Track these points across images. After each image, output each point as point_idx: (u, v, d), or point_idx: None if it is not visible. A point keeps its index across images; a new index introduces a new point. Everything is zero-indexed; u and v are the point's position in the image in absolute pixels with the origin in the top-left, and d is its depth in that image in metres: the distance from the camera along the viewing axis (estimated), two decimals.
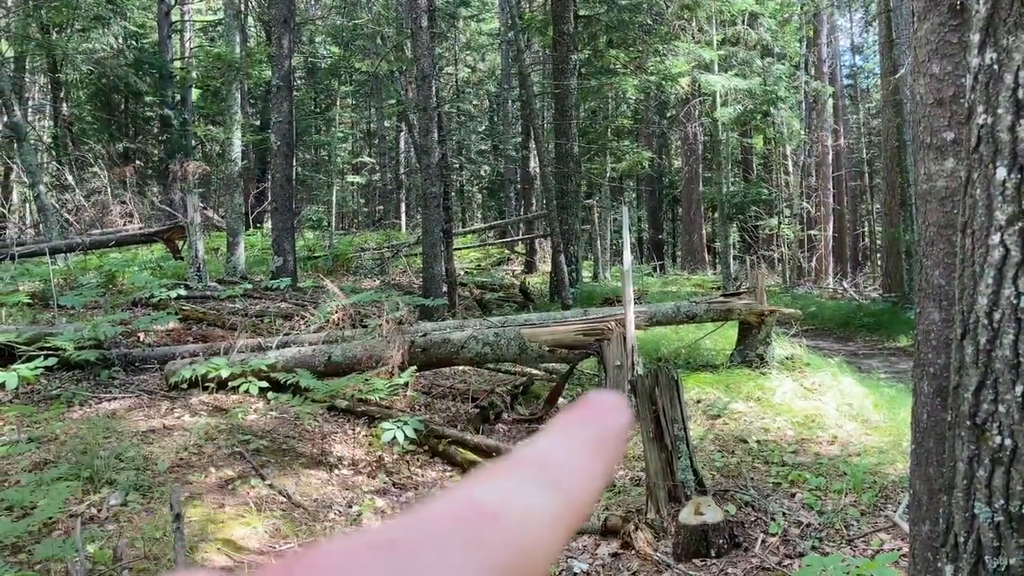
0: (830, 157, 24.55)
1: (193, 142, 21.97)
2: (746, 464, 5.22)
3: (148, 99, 22.97)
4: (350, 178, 27.37)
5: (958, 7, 2.39)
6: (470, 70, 27.94)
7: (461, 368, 7.67)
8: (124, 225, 15.98)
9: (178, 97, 21.83)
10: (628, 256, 6.59)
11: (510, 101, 23.23)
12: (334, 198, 18.69)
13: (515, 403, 6.85)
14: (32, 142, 17.40)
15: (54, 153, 22.54)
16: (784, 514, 4.41)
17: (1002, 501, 1.75)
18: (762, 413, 6.34)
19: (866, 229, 30.25)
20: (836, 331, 13.74)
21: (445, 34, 22.52)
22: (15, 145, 16.80)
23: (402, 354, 6.47)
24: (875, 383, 7.97)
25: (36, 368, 5.81)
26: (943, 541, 1.92)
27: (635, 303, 6.86)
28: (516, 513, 0.26)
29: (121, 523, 4.06)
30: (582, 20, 15.03)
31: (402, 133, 26.03)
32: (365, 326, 7.19)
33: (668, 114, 25.55)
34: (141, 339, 7.70)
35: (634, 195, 28.55)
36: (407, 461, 5.54)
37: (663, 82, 15.89)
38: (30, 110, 25.55)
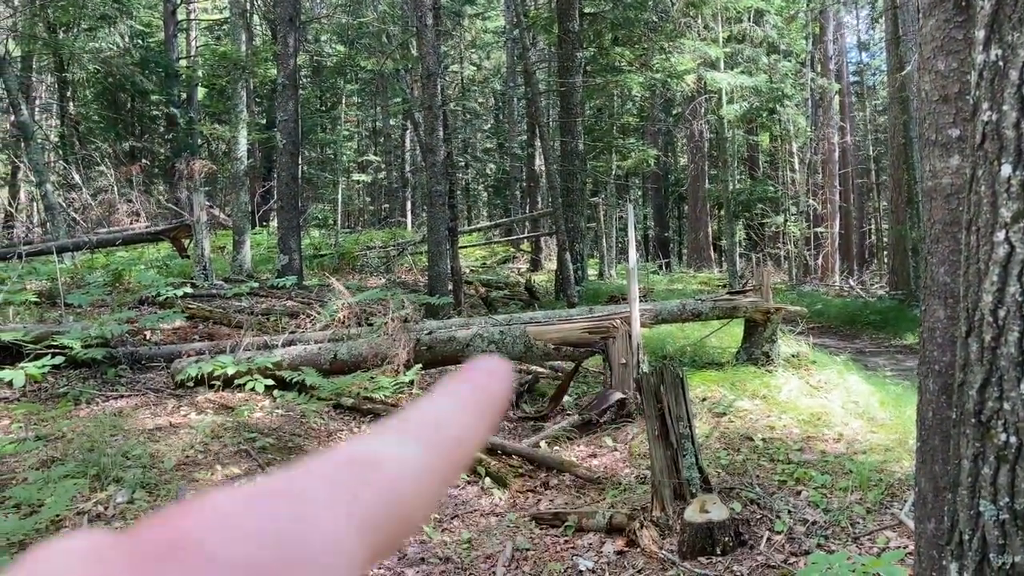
0: (836, 154, 24.48)
1: (199, 141, 22.02)
2: (751, 462, 5.21)
3: (154, 98, 22.99)
4: (356, 176, 27.42)
5: (963, 3, 2.39)
6: (475, 68, 27.94)
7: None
8: (131, 224, 16.02)
9: (184, 96, 21.86)
10: (634, 254, 6.59)
11: (515, 99, 23.24)
12: (340, 196, 18.72)
13: (520, 401, 6.85)
14: (39, 141, 17.45)
15: (61, 152, 22.62)
16: (790, 512, 4.40)
17: (1007, 499, 1.75)
18: (768, 411, 6.33)
19: (872, 226, 30.19)
20: (842, 329, 13.71)
21: (450, 32, 22.51)
22: (22, 144, 16.86)
23: (407, 352, 6.48)
24: (881, 381, 7.95)
25: (43, 366, 5.83)
26: (948, 539, 1.92)
27: (641, 301, 6.86)
28: (393, 465, 0.27)
29: (128, 520, 4.08)
30: (587, 17, 15.02)
31: (407, 131, 26.04)
32: (371, 324, 7.20)
33: (674, 112, 25.53)
34: (147, 337, 7.72)
35: (639, 193, 28.52)
36: None
37: (669, 80, 15.87)
38: (37, 109, 25.61)
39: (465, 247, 16.77)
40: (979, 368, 1.81)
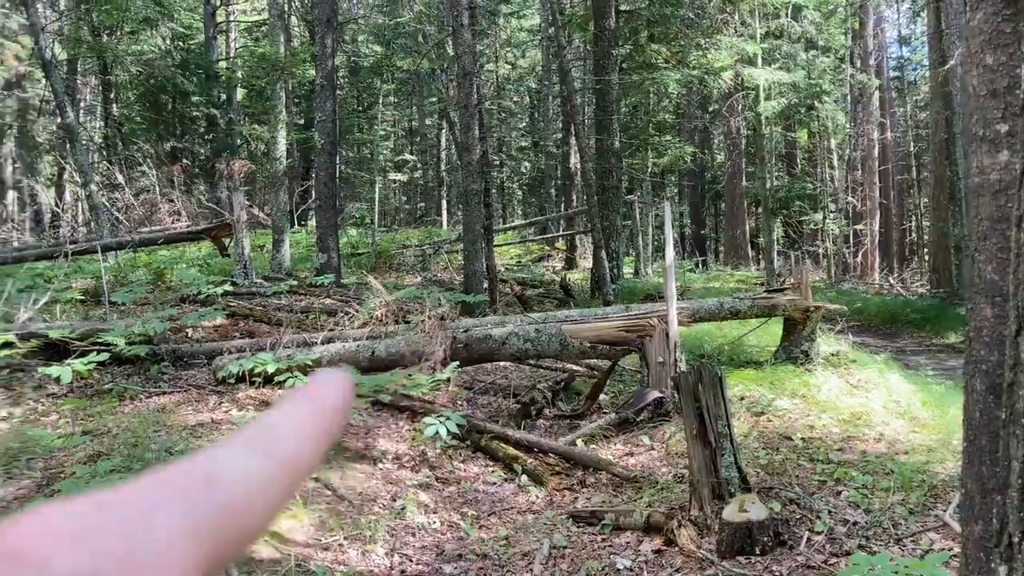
0: (876, 151, 24.12)
1: (238, 141, 22.29)
2: (791, 461, 5.16)
3: (195, 99, 23.30)
4: (392, 176, 27.57)
5: None
6: (511, 67, 27.95)
7: (502, 364, 7.69)
8: (172, 223, 16.28)
9: (224, 97, 22.14)
10: (671, 252, 6.56)
11: (550, 97, 23.21)
12: (377, 195, 18.84)
13: (556, 399, 6.85)
14: (84, 142, 17.79)
15: (104, 153, 23.04)
16: (830, 512, 4.35)
17: None
18: (807, 410, 6.27)
19: (913, 224, 29.69)
20: (882, 327, 13.52)
21: (486, 31, 22.55)
22: (68, 146, 17.19)
23: (444, 350, 6.51)
24: (923, 380, 7.83)
25: (89, 363, 5.95)
26: (997, 541, 1.89)
27: (678, 299, 6.82)
28: (228, 477, 0.28)
29: None
30: (623, 15, 14.95)
31: (443, 130, 26.13)
32: (408, 322, 7.25)
33: (710, 109, 25.33)
34: (189, 335, 7.84)
35: (675, 190, 28.34)
36: (449, 456, 5.58)
37: (705, 76, 15.75)
38: (82, 111, 26.10)
39: (500, 245, 16.80)
40: None
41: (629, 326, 6.36)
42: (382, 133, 26.30)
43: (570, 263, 18.54)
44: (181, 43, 23.50)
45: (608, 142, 14.05)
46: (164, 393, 6.33)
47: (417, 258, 14.69)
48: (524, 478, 5.26)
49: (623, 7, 15.01)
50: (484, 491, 5.14)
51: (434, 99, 24.31)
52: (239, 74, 22.54)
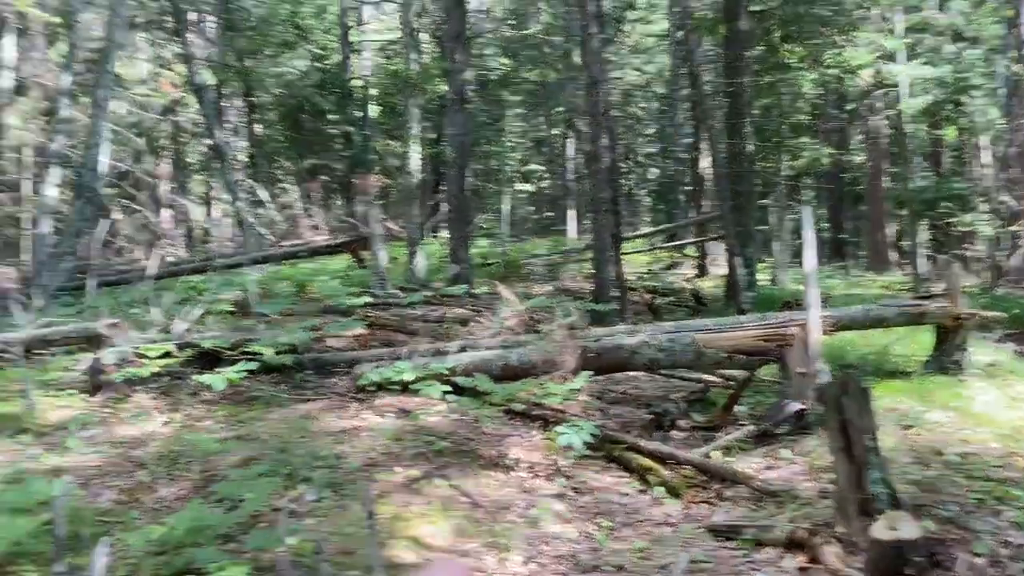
0: None
1: (373, 156, 23.07)
2: (944, 478, 4.88)
3: (331, 117, 24.27)
4: (519, 186, 27.86)
5: None
6: (638, 73, 27.74)
7: (633, 374, 7.62)
8: (312, 237, 17.02)
9: (358, 114, 22.97)
10: (811, 257, 6.34)
11: (679, 102, 22.90)
12: (505, 206, 19.09)
13: (691, 410, 6.73)
14: (231, 162, 18.83)
15: (249, 171, 24.31)
16: (991, 533, 4.08)
17: None
18: (961, 424, 5.90)
19: None
20: None
21: (612, 38, 22.49)
22: (218, 165, 18.24)
23: (575, 359, 6.52)
24: None
25: (240, 371, 6.29)
26: None
27: (819, 307, 6.58)
28: None
29: (318, 518, 4.32)
30: (755, 16, 14.59)
31: (569, 140, 26.19)
32: (539, 331, 7.30)
33: (848, 108, 24.35)
34: (331, 344, 8.15)
35: (812, 194, 27.35)
36: (583, 465, 5.57)
37: (842, 75, 15.16)
38: (227, 132, 27.67)
39: (629, 253, 16.66)
40: None
41: (767, 335, 6.19)
42: (509, 144, 26.63)
43: (701, 271, 18.19)
44: (318, 64, 24.56)
45: (740, 146, 13.72)
46: (308, 400, 6.60)
47: (546, 267, 14.80)
48: (659, 490, 5.19)
49: (755, 8, 14.65)
50: (618, 502, 5.10)
51: (560, 109, 24.41)
52: (373, 92, 23.33)
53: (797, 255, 16.43)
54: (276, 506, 4.39)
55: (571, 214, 26.27)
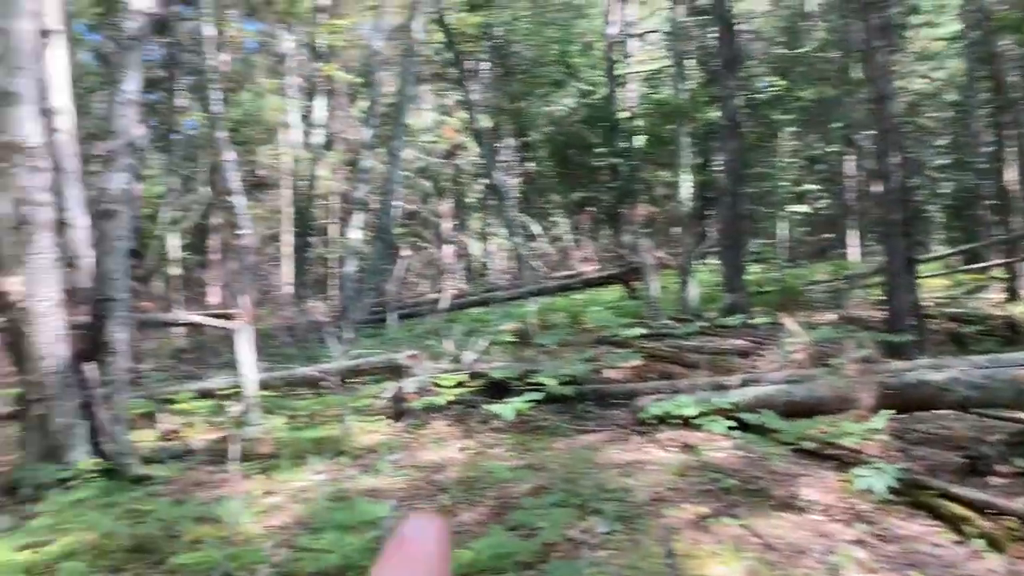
0: None
1: (640, 186, 23.21)
2: None
3: (598, 150, 24.76)
4: (793, 208, 26.66)
5: None
6: (925, 80, 25.60)
7: (940, 412, 6.97)
8: (583, 268, 17.42)
9: (625, 145, 23.23)
10: None
11: (976, 108, 20.81)
12: (781, 231, 18.36)
13: (1011, 454, 6.02)
14: (507, 199, 19.82)
15: (522, 206, 25.43)
16: None
17: None
18: None
19: None
20: None
21: (897, 48, 20.96)
22: (493, 202, 19.29)
23: (871, 396, 6.10)
24: None
25: (527, 402, 6.57)
26: None
27: None
28: None
29: (610, 551, 4.38)
30: None
31: (847, 157, 24.69)
32: (828, 365, 6.92)
33: None
34: (608, 375, 8.27)
35: None
36: (884, 511, 5.17)
37: None
38: (501, 171, 29.16)
39: (923, 277, 15.34)
40: None
41: None
42: (781, 165, 25.65)
43: (1012, 295, 16.27)
44: (585, 99, 25.22)
45: None
46: (590, 431, 6.73)
47: (828, 294, 14.00)
48: (978, 542, 4.69)
49: None
50: (930, 553, 4.67)
51: (838, 125, 23.13)
52: (639, 122, 23.53)
53: None
54: (568, 536, 4.51)
55: (852, 236, 24.69)
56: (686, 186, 12.35)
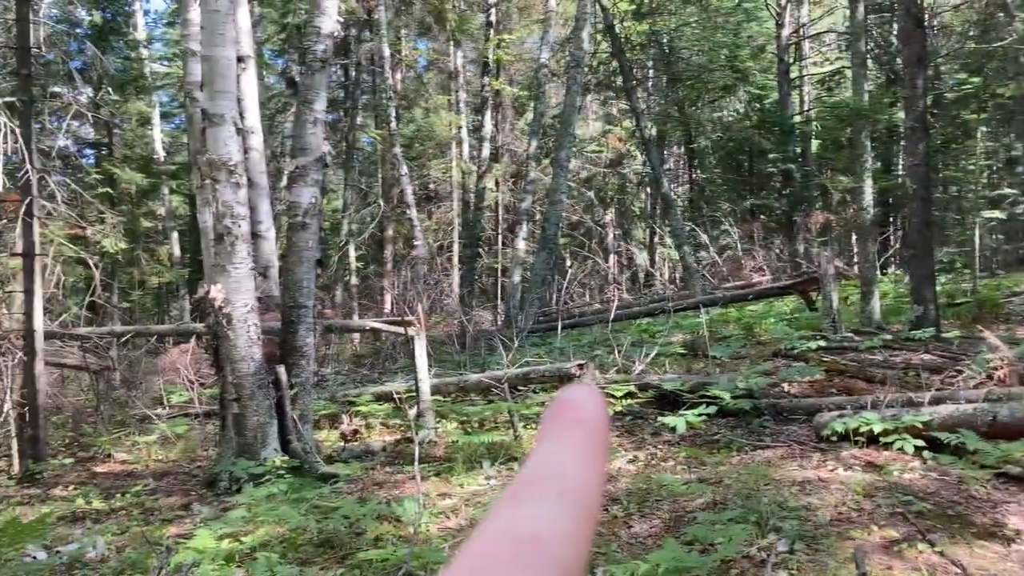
0: None
1: (815, 193, 22.26)
2: None
3: (770, 156, 23.97)
4: (987, 214, 24.73)
5: None
6: None
7: None
8: (755, 278, 16.87)
9: (798, 150, 22.37)
10: None
11: None
12: (974, 238, 17.08)
13: None
14: (676, 208, 19.52)
15: (689, 215, 24.98)
16: None
17: None
18: None
19: None
20: None
21: None
22: (663, 212, 19.04)
23: None
24: None
25: (700, 415, 6.42)
26: None
27: None
28: (551, 535, 0.29)
29: (790, 571, 4.19)
30: None
31: None
32: None
33: None
34: (786, 390, 7.95)
35: None
36: None
37: None
38: (668, 179, 28.77)
39: None
40: None
41: None
42: (971, 168, 23.87)
43: None
44: (757, 104, 24.47)
45: None
46: (767, 447, 6.49)
47: None
48: None
49: None
50: None
51: None
52: (814, 126, 22.59)
53: None
54: (747, 553, 4.36)
55: None
56: (868, 192, 11.69)
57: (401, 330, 8.49)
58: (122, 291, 22.47)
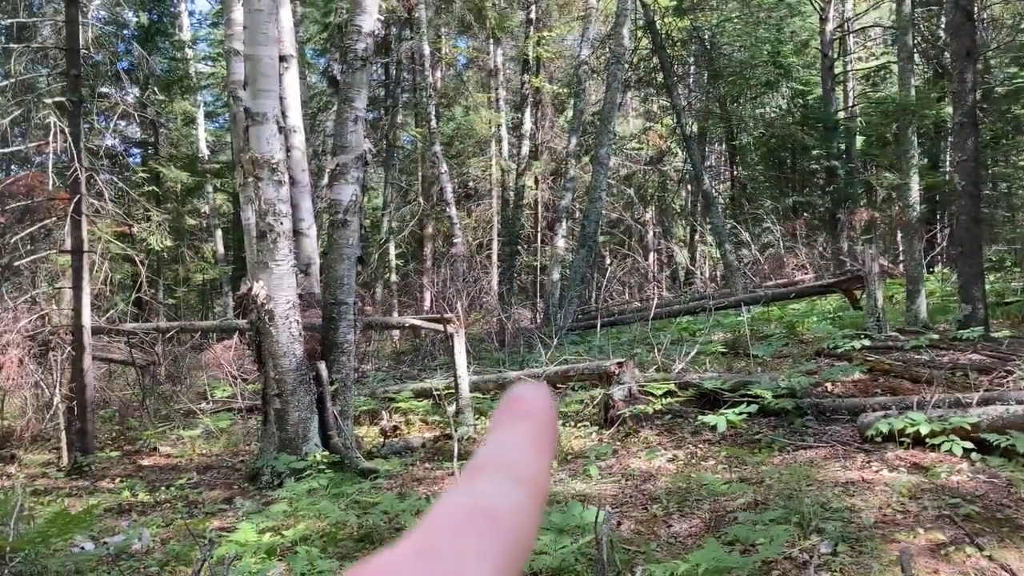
0: None
1: (859, 190, 21.89)
2: None
3: (814, 152, 23.63)
4: None
5: None
6: None
7: None
8: (797, 276, 16.65)
9: (842, 147, 22.01)
10: None
11: None
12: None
13: None
14: (717, 205, 19.34)
15: (730, 212, 24.72)
16: None
17: None
18: None
19: None
20: None
21: None
22: (704, 209, 18.88)
23: None
24: None
25: (741, 413, 6.36)
26: None
27: None
28: (506, 513, 0.31)
29: (833, 572, 4.13)
30: None
31: None
32: None
33: None
34: (829, 389, 7.84)
35: None
36: None
37: None
38: (709, 176, 28.48)
39: None
40: None
41: None
42: (1021, 164, 23.32)
43: None
44: (800, 100, 24.12)
45: None
46: (809, 447, 6.40)
47: None
48: None
49: None
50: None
51: None
52: (859, 122, 22.22)
53: None
54: (789, 555, 4.31)
55: None
56: (915, 189, 11.47)
57: (440, 327, 8.52)
58: (167, 288, 22.88)
